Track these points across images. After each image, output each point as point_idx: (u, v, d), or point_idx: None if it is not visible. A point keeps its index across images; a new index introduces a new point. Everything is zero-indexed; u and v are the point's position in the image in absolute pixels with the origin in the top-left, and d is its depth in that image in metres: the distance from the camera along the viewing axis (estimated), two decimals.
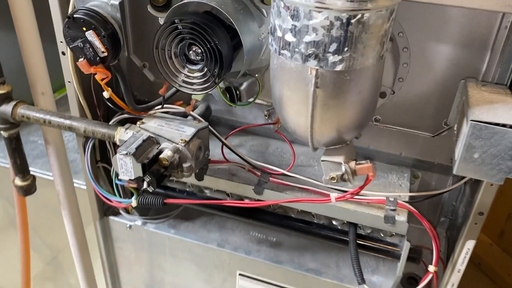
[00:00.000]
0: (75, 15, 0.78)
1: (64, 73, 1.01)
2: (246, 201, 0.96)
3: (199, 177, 1.03)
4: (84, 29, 0.78)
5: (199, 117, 0.98)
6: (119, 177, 0.90)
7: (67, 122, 0.99)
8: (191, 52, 0.81)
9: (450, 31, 0.87)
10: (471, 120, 0.67)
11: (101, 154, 1.15)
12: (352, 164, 0.73)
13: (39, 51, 1.02)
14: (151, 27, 0.95)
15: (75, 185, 1.24)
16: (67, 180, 1.18)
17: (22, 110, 1.03)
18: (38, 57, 1.03)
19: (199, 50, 0.80)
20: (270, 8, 0.84)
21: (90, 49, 0.80)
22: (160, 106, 0.97)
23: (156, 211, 1.26)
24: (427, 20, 0.87)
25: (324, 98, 0.64)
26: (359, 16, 0.57)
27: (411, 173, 1.07)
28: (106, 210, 1.24)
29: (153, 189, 0.90)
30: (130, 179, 0.89)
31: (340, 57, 0.60)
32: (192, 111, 1.00)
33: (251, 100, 0.97)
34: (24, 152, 1.12)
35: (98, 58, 0.81)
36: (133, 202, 0.96)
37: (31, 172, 1.15)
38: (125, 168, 0.88)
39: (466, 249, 0.90)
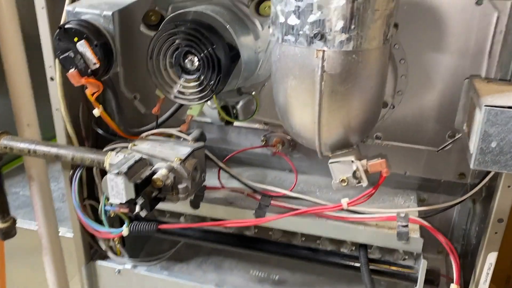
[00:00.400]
0: (66, 26, 0.76)
1: (52, 101, 0.97)
2: (249, 219, 0.88)
3: (195, 205, 0.96)
4: (76, 39, 0.76)
5: (192, 138, 0.93)
6: (109, 201, 0.83)
7: (54, 150, 0.94)
8: (186, 61, 0.78)
9: (446, 40, 0.86)
10: (485, 106, 0.64)
11: (88, 192, 1.08)
12: (364, 162, 0.68)
13: (26, 80, 0.99)
14: (141, 57, 0.94)
15: (59, 234, 1.15)
16: (51, 221, 1.10)
17: (5, 141, 0.97)
18: (24, 86, 0.99)
19: (195, 59, 0.78)
20: (266, 20, 0.84)
21: (81, 60, 0.77)
22: (152, 131, 0.92)
23: (147, 252, 1.16)
24: (422, 30, 0.87)
25: (332, 83, 0.60)
26: None
27: (417, 196, 1.02)
28: (92, 254, 1.14)
29: (146, 213, 0.83)
30: (121, 203, 0.83)
31: (347, 35, 0.57)
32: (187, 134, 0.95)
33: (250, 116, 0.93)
34: (5, 191, 1.04)
35: (89, 70, 0.78)
36: (124, 230, 0.88)
37: None
38: (116, 190, 0.82)
39: (488, 264, 0.83)
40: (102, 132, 0.96)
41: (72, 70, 0.75)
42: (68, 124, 0.97)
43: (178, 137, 0.94)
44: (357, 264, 0.92)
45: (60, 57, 0.76)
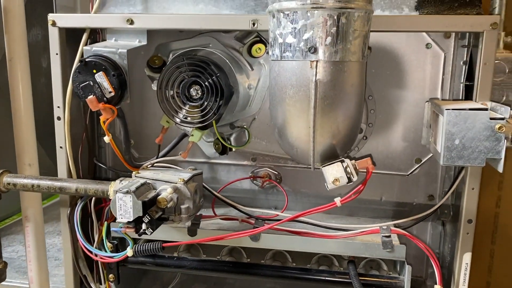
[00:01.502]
0: (87, 59, 0.87)
1: (57, 139, 1.04)
2: (247, 230, 0.94)
3: (192, 233, 1.02)
4: (94, 71, 0.86)
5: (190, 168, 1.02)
6: (117, 220, 0.88)
7: (57, 183, 0.99)
8: (191, 89, 0.90)
9: (405, 77, 1.03)
10: (446, 109, 0.78)
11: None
12: (352, 161, 0.79)
13: (30, 121, 1.06)
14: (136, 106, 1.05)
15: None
16: (42, 264, 1.10)
17: (8, 179, 1.01)
18: (29, 127, 1.06)
19: (199, 88, 0.90)
20: (257, 61, 0.99)
21: (98, 89, 0.87)
22: (155, 159, 1.01)
23: None
24: (384, 70, 1.04)
25: (324, 89, 0.74)
26: (346, 14, 0.71)
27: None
28: None
29: (151, 231, 0.88)
30: (128, 223, 0.88)
31: (335, 48, 0.72)
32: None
33: (242, 145, 1.04)
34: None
35: (105, 98, 0.88)
36: (129, 251, 0.92)
37: None
38: (124, 209, 0.88)
39: (464, 264, 0.93)
40: (105, 166, 1.03)
41: (91, 96, 0.85)
42: (71, 160, 1.03)
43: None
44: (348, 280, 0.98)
45: (81, 85, 0.86)
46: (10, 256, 1.37)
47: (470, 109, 0.78)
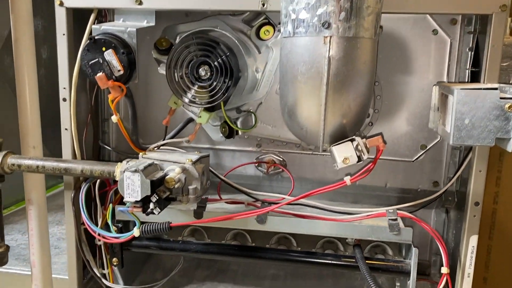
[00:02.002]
0: (96, 37, 0.86)
1: (62, 121, 1.03)
2: (255, 210, 0.93)
3: (198, 216, 1.01)
4: (104, 49, 0.86)
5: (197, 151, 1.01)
6: (124, 199, 0.87)
7: (63, 165, 0.98)
8: (200, 69, 0.90)
9: (412, 63, 1.04)
10: (456, 89, 0.79)
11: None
12: (363, 139, 0.79)
13: (35, 102, 1.05)
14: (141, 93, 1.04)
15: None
16: (45, 248, 1.09)
17: (12, 159, 1.00)
18: (33, 109, 1.05)
19: (208, 68, 0.90)
20: (265, 44, 0.99)
21: (108, 67, 0.87)
22: (162, 142, 1.00)
23: (141, 282, 1.16)
24: (391, 57, 1.04)
25: (337, 65, 0.74)
26: None
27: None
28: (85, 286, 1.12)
29: (159, 210, 0.88)
30: (135, 202, 0.87)
31: (348, 24, 0.72)
32: None
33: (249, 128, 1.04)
34: (2, 214, 1.05)
35: (114, 76, 0.87)
36: (136, 232, 0.91)
37: None
38: (132, 188, 0.87)
39: (470, 247, 0.93)
40: (109, 148, 1.02)
41: (100, 73, 0.84)
42: (75, 142, 1.02)
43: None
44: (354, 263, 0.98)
45: (89, 63, 0.85)
46: (9, 244, 1.35)
47: (480, 89, 0.78)
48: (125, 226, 1.03)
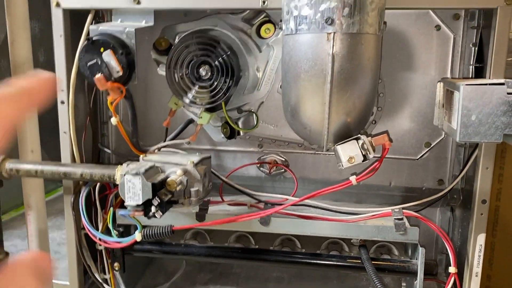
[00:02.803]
0: (94, 38, 0.85)
1: (61, 124, 1.01)
2: (259, 212, 0.92)
3: (200, 218, 0.99)
4: (102, 49, 0.84)
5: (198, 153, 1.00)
6: (125, 203, 0.85)
7: (62, 169, 0.96)
8: (201, 69, 0.88)
9: (415, 60, 1.02)
10: (462, 85, 0.77)
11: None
12: (368, 138, 0.78)
13: None
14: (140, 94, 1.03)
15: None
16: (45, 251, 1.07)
17: (10, 164, 0.98)
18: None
19: (209, 68, 0.88)
20: (266, 42, 0.98)
21: (106, 68, 0.85)
22: (162, 143, 0.98)
23: (143, 286, 1.14)
24: (394, 53, 1.03)
25: (341, 62, 0.72)
26: None
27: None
28: None
29: (161, 214, 0.86)
30: (136, 205, 0.85)
31: (352, 20, 0.71)
32: None
33: (250, 128, 1.02)
34: (1, 220, 1.03)
35: (112, 78, 0.85)
36: (137, 236, 0.89)
37: None
38: (133, 191, 0.85)
39: (478, 245, 0.91)
40: (109, 150, 1.00)
41: (98, 75, 0.82)
42: (74, 146, 1.00)
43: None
44: (359, 264, 0.96)
45: (87, 65, 0.83)
46: (9, 250, 1.33)
47: (486, 84, 0.77)
48: (126, 230, 1.02)
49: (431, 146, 1.06)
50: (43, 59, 1.73)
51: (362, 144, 0.77)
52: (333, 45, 0.71)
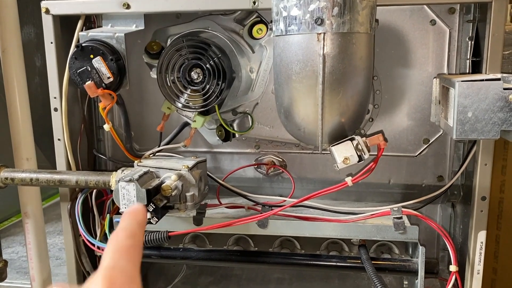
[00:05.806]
0: (84, 44, 0.84)
1: (55, 131, 1.00)
2: (255, 215, 0.91)
3: (198, 222, 0.99)
4: (92, 56, 0.83)
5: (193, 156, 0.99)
6: (120, 210, 0.85)
7: (57, 176, 0.96)
8: (192, 73, 0.87)
9: (410, 56, 1.01)
10: (457, 81, 0.76)
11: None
12: (363, 138, 0.77)
13: (27, 114, 1.03)
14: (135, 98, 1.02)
15: None
16: (44, 261, 1.07)
17: (5, 173, 0.98)
18: (25, 120, 1.03)
19: (200, 71, 0.87)
20: (258, 42, 0.97)
21: (96, 75, 0.84)
22: (157, 148, 0.98)
23: None
24: (389, 50, 1.01)
25: (332, 62, 0.71)
26: None
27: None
28: None
29: (156, 220, 0.85)
30: None
31: (342, 19, 0.69)
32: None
33: (246, 130, 1.01)
34: None
35: (103, 84, 0.84)
36: None
37: None
38: (127, 198, 0.85)
39: (479, 243, 0.90)
40: (104, 157, 1.00)
41: (89, 82, 0.82)
42: (69, 153, 1.00)
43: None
44: (359, 264, 0.95)
45: (78, 72, 0.82)
46: (10, 257, 1.34)
47: (482, 80, 0.75)
48: None
49: (430, 142, 1.04)
50: (40, 63, 1.72)
51: (357, 145, 0.76)
52: (323, 46, 0.70)
